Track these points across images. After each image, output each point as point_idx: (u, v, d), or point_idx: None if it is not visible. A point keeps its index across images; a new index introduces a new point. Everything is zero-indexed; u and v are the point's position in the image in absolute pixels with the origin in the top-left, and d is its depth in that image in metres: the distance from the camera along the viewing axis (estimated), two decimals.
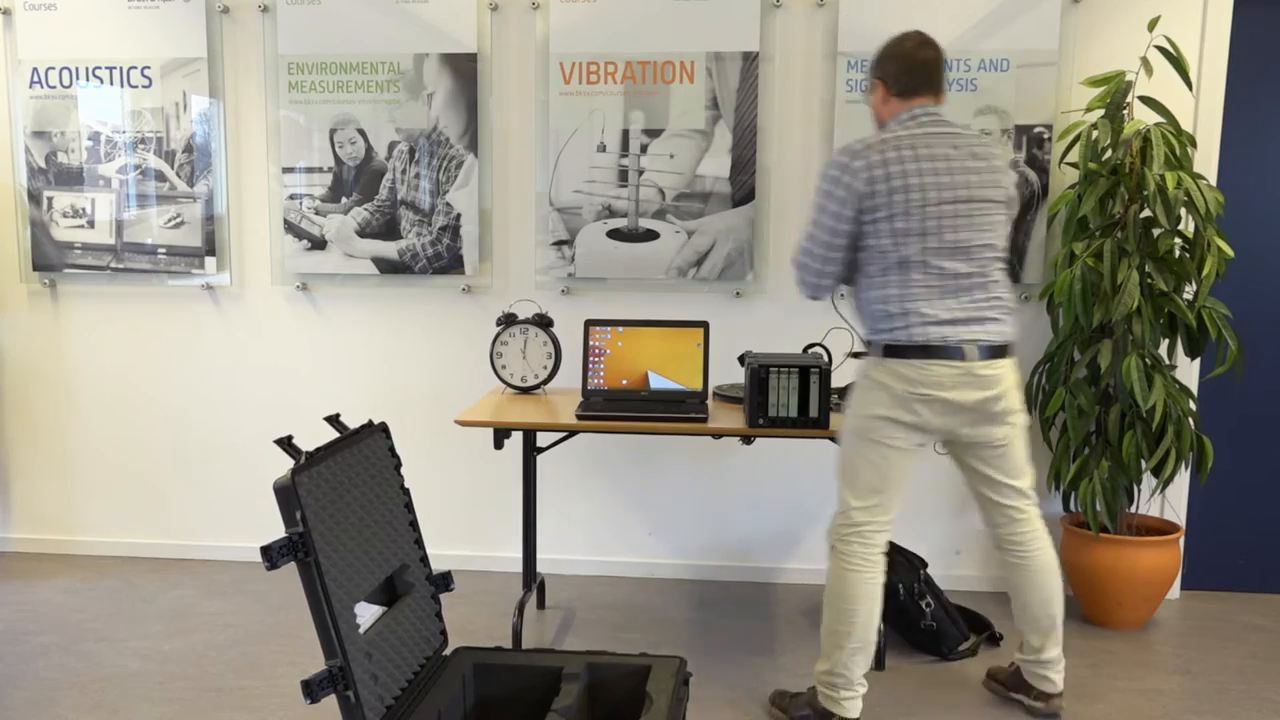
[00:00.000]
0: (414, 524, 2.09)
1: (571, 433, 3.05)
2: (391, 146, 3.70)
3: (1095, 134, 3.23)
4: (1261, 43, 3.53)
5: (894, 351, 2.48)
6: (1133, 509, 3.51)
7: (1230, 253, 3.16)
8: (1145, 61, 3.27)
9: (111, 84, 3.76)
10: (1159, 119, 3.34)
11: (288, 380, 3.88)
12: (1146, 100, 3.28)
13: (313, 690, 1.65)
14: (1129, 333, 3.20)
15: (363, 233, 3.74)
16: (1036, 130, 3.50)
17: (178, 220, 3.81)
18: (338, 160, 3.72)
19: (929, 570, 3.62)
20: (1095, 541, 3.33)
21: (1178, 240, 3.27)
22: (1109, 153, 3.24)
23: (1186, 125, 3.48)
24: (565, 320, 3.73)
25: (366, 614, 1.86)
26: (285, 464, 3.91)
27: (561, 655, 2.12)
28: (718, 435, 2.89)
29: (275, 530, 3.95)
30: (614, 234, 3.66)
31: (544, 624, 3.39)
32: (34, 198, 3.85)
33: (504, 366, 3.31)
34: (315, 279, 3.81)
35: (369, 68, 3.67)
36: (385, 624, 1.89)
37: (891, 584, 3.15)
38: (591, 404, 3.02)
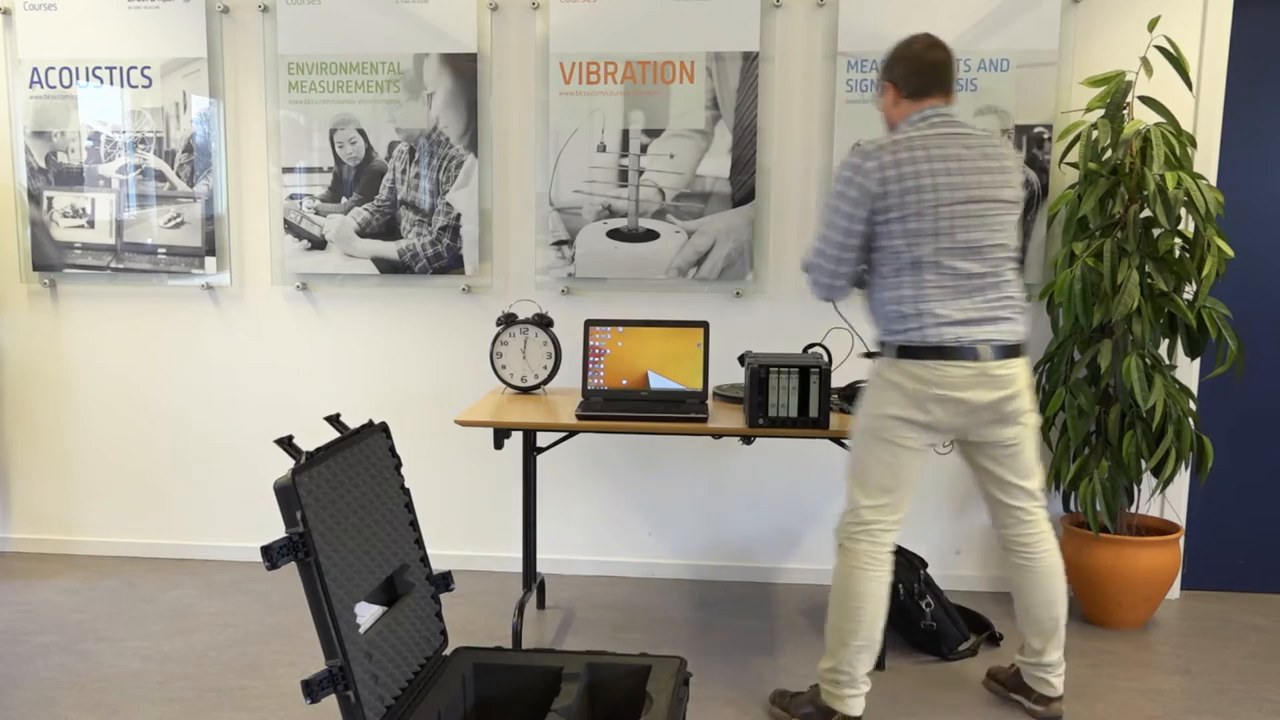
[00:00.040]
0: (414, 524, 2.09)
1: (571, 433, 3.05)
2: (391, 146, 3.70)
3: (1095, 134, 3.23)
4: (1261, 43, 3.53)
5: (908, 352, 2.48)
6: (1133, 509, 3.51)
7: (1230, 253, 3.16)
8: (1145, 61, 3.27)
9: (111, 84, 3.76)
10: (1159, 119, 3.34)
11: (288, 380, 3.88)
12: (1146, 100, 3.28)
13: (313, 690, 1.65)
14: (1129, 333, 3.20)
15: (363, 233, 3.74)
16: (1036, 130, 3.50)
17: (178, 220, 3.81)
18: (338, 160, 3.72)
19: (929, 570, 3.62)
20: (1095, 541, 3.34)
21: (1178, 240, 3.27)
22: (1109, 153, 3.24)
23: (1186, 125, 3.48)
24: (565, 320, 3.73)
25: (366, 614, 1.86)
26: (285, 464, 3.91)
27: (561, 655, 2.12)
28: (718, 435, 2.89)
29: (275, 530, 3.95)
30: (614, 234, 3.66)
31: (544, 624, 3.39)
32: (34, 198, 3.85)
33: (504, 366, 3.31)
34: (315, 279, 3.81)
35: (369, 68, 3.67)
36: (385, 624, 1.89)
37: (891, 584, 3.15)
38: (591, 404, 3.02)
